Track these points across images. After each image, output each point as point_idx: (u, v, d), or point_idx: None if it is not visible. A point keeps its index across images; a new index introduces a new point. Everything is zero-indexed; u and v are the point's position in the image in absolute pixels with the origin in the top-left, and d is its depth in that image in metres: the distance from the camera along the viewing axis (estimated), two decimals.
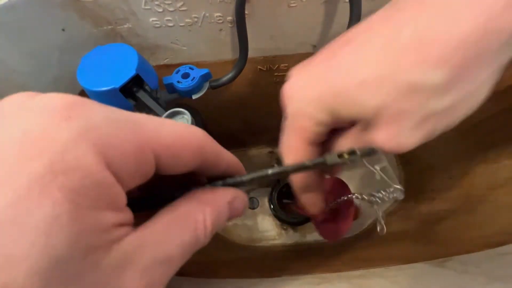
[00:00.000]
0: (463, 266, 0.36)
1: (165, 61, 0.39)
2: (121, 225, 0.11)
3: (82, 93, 0.38)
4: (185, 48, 0.38)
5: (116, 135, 0.11)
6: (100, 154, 0.10)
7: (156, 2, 0.32)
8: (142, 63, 0.31)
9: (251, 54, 0.36)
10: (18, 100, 0.12)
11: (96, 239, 0.10)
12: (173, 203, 0.14)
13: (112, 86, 0.29)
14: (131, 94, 0.31)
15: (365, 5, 0.31)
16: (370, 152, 0.17)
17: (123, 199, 0.12)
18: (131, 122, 0.12)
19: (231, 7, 0.33)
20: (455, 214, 0.49)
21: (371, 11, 0.35)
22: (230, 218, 0.15)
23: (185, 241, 0.13)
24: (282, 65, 0.43)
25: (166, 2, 0.32)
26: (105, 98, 0.30)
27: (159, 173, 0.13)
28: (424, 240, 0.47)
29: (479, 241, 0.40)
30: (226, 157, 0.16)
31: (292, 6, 0.33)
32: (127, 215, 0.12)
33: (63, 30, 0.33)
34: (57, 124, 0.10)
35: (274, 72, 0.44)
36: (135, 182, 0.12)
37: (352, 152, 0.17)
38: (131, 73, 0.29)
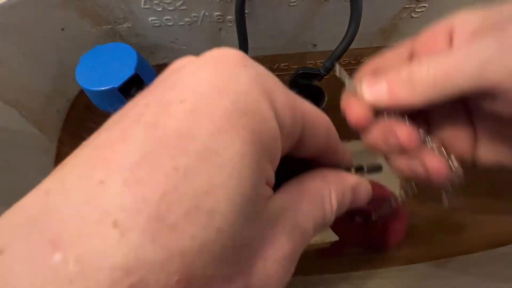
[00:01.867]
0: (463, 267, 0.36)
1: (165, 60, 0.39)
2: (270, 183, 0.11)
3: (81, 93, 0.38)
4: (184, 47, 0.38)
5: (277, 89, 0.12)
6: (270, 103, 0.11)
7: (156, 1, 0.32)
8: (141, 62, 0.30)
9: (251, 53, 0.36)
10: (189, 59, 0.13)
11: (263, 189, 0.11)
12: (298, 177, 0.14)
13: (111, 86, 0.29)
14: (130, 94, 0.31)
15: (365, 4, 0.30)
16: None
17: (278, 157, 0.12)
18: (282, 84, 0.12)
19: (231, 6, 0.32)
20: (456, 215, 0.49)
21: (372, 11, 0.35)
22: (352, 204, 0.15)
23: (315, 215, 0.13)
24: (282, 64, 0.43)
25: (166, 1, 0.32)
26: (104, 97, 0.29)
27: (296, 147, 0.13)
28: (425, 241, 0.47)
29: (480, 241, 0.40)
30: (342, 147, 0.16)
31: (292, 5, 0.33)
32: (273, 176, 0.12)
33: (62, 29, 0.33)
34: (238, 69, 0.11)
35: (274, 72, 0.44)
36: (286, 144, 0.12)
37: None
38: (130, 72, 0.29)
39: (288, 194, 0.13)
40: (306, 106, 0.13)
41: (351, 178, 0.15)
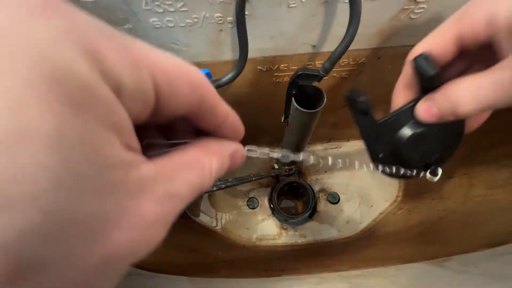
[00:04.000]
0: (462, 266, 0.36)
1: None
2: (131, 148, 0.11)
3: None
4: (185, 48, 0.38)
5: (106, 42, 0.10)
6: (94, 62, 0.09)
7: (157, 3, 0.32)
8: None
9: (251, 54, 0.36)
10: None
11: (110, 160, 0.10)
12: (183, 148, 0.14)
13: None
14: None
15: (364, 5, 0.31)
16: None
17: (127, 122, 0.10)
18: (122, 37, 0.11)
19: (231, 7, 0.33)
20: (455, 214, 0.49)
21: (371, 12, 0.35)
22: (229, 168, 0.16)
23: (192, 181, 0.13)
24: (282, 65, 0.43)
25: (167, 2, 0.32)
26: None
27: (159, 109, 0.12)
28: (424, 240, 0.47)
29: (479, 241, 0.40)
30: (223, 107, 0.16)
31: (292, 7, 0.34)
32: (136, 142, 0.11)
33: None
34: (35, 20, 0.08)
35: (274, 72, 0.44)
36: (137, 106, 0.11)
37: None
38: None
39: (162, 164, 0.12)
40: (159, 59, 0.12)
41: (230, 146, 0.16)
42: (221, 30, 0.36)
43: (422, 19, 0.37)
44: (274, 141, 0.67)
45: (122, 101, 0.10)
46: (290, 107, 0.39)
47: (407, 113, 0.25)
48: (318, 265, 0.44)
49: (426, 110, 0.24)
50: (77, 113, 0.08)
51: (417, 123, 0.25)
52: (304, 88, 0.37)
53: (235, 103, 0.55)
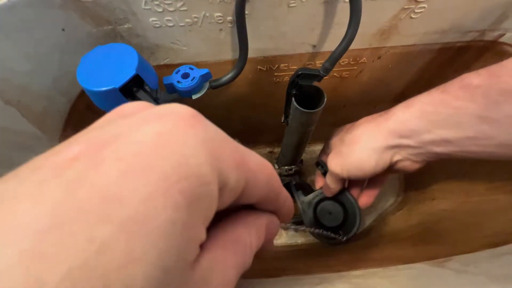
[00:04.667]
0: (462, 266, 0.36)
1: (165, 61, 0.39)
2: (201, 242, 0.11)
3: (82, 93, 0.38)
4: (185, 48, 0.38)
5: (225, 149, 0.12)
6: (215, 166, 0.11)
7: (156, 2, 0.32)
8: (142, 63, 0.31)
9: (251, 54, 0.36)
10: (141, 106, 0.13)
11: (192, 253, 0.11)
12: (222, 223, 0.14)
13: (112, 86, 0.29)
14: (131, 94, 0.31)
15: (365, 5, 0.31)
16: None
17: (213, 215, 0.11)
18: (231, 141, 0.13)
19: (231, 7, 0.33)
20: (455, 214, 0.49)
21: (371, 12, 0.35)
22: (265, 240, 0.16)
23: (239, 265, 0.13)
24: (282, 65, 0.43)
25: (166, 2, 0.32)
26: (105, 98, 0.30)
27: (236, 200, 0.13)
28: (424, 240, 0.47)
29: (479, 241, 0.40)
30: (284, 193, 0.16)
31: (292, 6, 0.33)
32: (205, 234, 0.12)
33: (63, 30, 0.33)
34: (185, 130, 0.11)
35: (274, 72, 0.44)
36: (228, 200, 0.12)
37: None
38: (131, 73, 0.29)
39: (214, 252, 0.12)
40: (251, 159, 0.13)
41: (266, 217, 0.16)
42: (221, 29, 0.36)
43: (423, 18, 0.37)
44: (274, 141, 0.67)
45: (221, 196, 0.12)
46: (290, 107, 0.39)
47: (320, 192, 0.50)
48: (318, 265, 0.44)
49: (324, 189, 0.47)
50: (190, 204, 0.10)
51: (325, 197, 0.49)
52: (304, 88, 0.37)
53: (235, 103, 0.55)
